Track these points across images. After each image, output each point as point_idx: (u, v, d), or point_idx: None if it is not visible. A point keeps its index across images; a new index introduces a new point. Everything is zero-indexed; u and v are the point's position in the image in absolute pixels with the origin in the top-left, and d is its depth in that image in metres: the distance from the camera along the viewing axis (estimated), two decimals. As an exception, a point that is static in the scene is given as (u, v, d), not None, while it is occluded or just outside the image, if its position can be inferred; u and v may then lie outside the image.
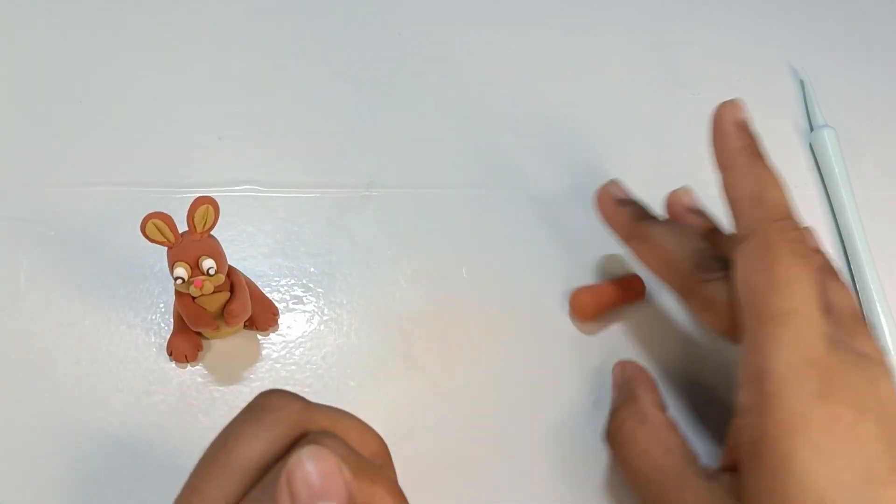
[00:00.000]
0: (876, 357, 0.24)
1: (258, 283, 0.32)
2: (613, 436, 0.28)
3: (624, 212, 0.31)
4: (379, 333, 0.33)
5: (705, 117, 0.41)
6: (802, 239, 0.24)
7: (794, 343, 0.23)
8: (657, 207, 0.37)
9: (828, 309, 0.25)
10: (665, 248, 0.29)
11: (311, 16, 0.42)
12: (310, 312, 0.33)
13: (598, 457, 0.31)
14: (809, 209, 0.39)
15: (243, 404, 0.30)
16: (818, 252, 0.29)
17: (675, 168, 0.39)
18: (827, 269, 0.28)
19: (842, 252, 0.38)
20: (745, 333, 0.24)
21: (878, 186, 0.40)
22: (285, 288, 0.34)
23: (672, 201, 0.34)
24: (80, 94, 0.38)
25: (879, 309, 0.35)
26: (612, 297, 0.33)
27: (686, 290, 0.28)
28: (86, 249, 0.33)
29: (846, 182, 0.38)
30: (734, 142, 0.27)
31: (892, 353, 0.34)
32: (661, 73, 0.42)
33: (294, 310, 0.33)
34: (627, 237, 0.31)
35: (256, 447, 0.21)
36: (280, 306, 0.33)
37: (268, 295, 0.33)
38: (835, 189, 0.39)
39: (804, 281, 0.23)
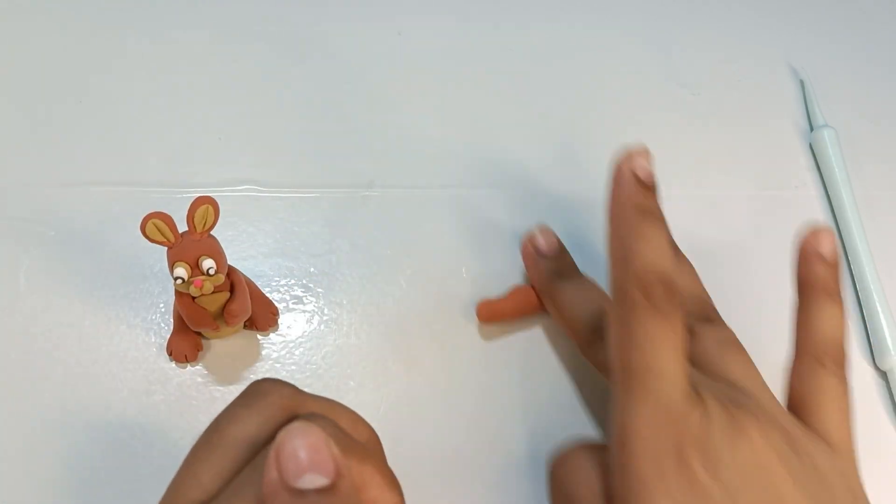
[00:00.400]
0: (748, 411, 0.24)
1: (258, 283, 0.32)
2: (563, 464, 0.26)
3: (542, 267, 0.32)
4: (379, 333, 0.33)
5: (705, 117, 0.41)
6: (668, 297, 0.24)
7: (651, 400, 0.23)
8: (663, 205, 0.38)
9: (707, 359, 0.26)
10: (569, 309, 0.30)
11: (311, 16, 0.42)
12: (310, 312, 0.33)
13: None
14: (809, 209, 0.39)
15: (243, 404, 0.30)
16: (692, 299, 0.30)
17: (675, 168, 0.39)
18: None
19: (842, 252, 0.38)
20: (613, 392, 0.24)
21: (878, 186, 0.40)
22: (285, 288, 0.34)
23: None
24: (80, 94, 0.38)
25: (879, 309, 0.35)
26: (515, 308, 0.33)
27: (584, 350, 0.30)
28: (86, 249, 0.33)
29: (846, 182, 0.38)
30: (619, 194, 0.26)
31: (893, 353, 0.34)
32: (661, 73, 0.42)
33: (294, 310, 0.33)
34: (541, 292, 0.32)
35: (248, 429, 0.21)
36: (280, 306, 0.33)
37: (268, 295, 0.33)
38: (835, 189, 0.39)
39: (663, 338, 0.23)
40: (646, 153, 0.26)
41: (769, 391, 0.27)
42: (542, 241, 0.33)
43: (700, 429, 0.22)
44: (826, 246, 0.28)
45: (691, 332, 0.27)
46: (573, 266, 0.32)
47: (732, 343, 0.28)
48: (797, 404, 0.27)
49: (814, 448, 0.24)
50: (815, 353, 0.27)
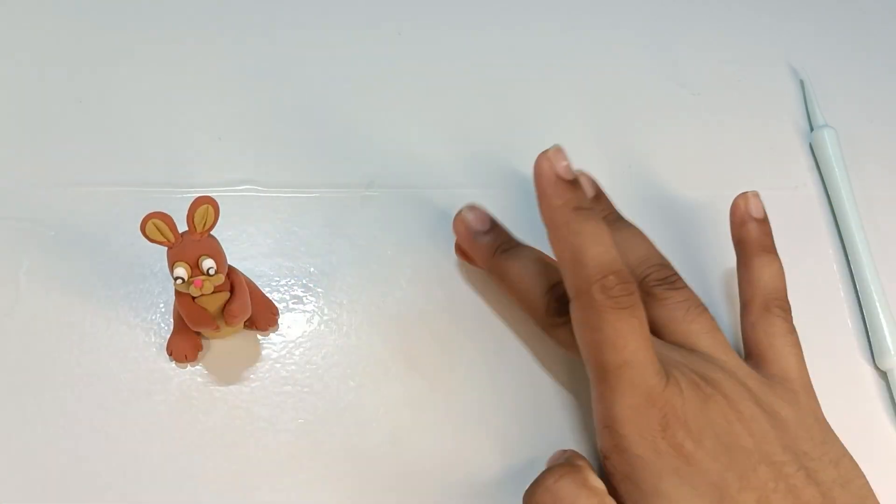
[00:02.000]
0: (713, 379, 0.26)
1: (258, 283, 0.32)
2: (546, 491, 0.25)
3: (482, 245, 0.31)
4: (379, 333, 0.33)
5: (705, 117, 0.41)
6: (625, 290, 0.25)
7: (630, 389, 0.25)
8: (664, 205, 0.38)
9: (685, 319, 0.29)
10: (520, 286, 0.30)
11: (311, 16, 0.42)
12: (310, 312, 0.33)
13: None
14: (809, 209, 0.39)
15: (243, 404, 0.31)
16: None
17: (675, 168, 0.39)
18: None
19: (842, 252, 0.38)
20: (591, 385, 0.26)
21: (878, 186, 0.40)
22: (285, 288, 0.34)
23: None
24: (80, 94, 0.38)
25: (879, 309, 0.35)
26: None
27: (544, 328, 0.30)
28: (86, 249, 0.33)
29: (846, 182, 0.38)
30: (552, 200, 0.26)
31: (893, 353, 0.34)
32: (661, 73, 0.42)
33: (294, 310, 0.33)
34: (488, 270, 0.32)
35: None
36: (280, 306, 0.33)
37: (268, 295, 0.33)
38: (835, 189, 0.39)
39: (631, 332, 0.25)
40: (561, 150, 0.27)
41: (732, 352, 0.29)
42: (472, 218, 0.32)
43: (677, 404, 0.25)
44: (755, 207, 0.32)
45: (657, 298, 0.30)
46: (510, 237, 0.32)
47: (696, 306, 0.30)
48: (753, 353, 0.29)
49: (777, 398, 0.27)
50: (762, 303, 0.30)
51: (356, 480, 0.30)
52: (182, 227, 0.27)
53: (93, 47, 0.39)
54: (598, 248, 0.26)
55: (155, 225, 0.26)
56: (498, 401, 0.32)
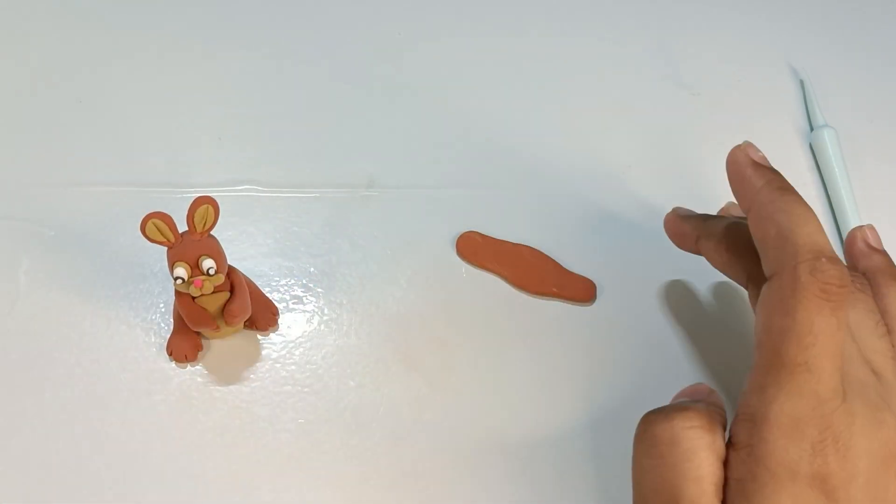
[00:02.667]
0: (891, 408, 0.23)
1: (258, 283, 0.32)
2: (669, 429, 0.23)
3: (689, 221, 0.31)
4: (379, 333, 0.33)
5: (705, 117, 0.41)
6: (837, 278, 0.22)
7: (798, 394, 0.22)
8: (663, 205, 0.38)
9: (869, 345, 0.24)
10: (730, 239, 0.28)
11: (311, 16, 0.42)
12: (310, 312, 0.33)
13: (602, 462, 0.31)
14: (809, 209, 0.39)
15: (243, 404, 0.31)
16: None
17: (675, 168, 0.39)
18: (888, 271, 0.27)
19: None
20: (752, 371, 0.23)
21: (878, 186, 0.40)
22: (285, 288, 0.34)
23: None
24: (80, 94, 0.38)
25: (879, 309, 0.35)
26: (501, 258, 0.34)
27: (754, 281, 0.27)
28: (86, 249, 0.33)
29: (846, 182, 0.38)
30: (753, 182, 0.25)
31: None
32: (661, 73, 0.42)
33: (294, 310, 0.33)
34: (697, 240, 0.31)
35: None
36: (280, 306, 0.33)
37: (268, 295, 0.33)
38: (835, 189, 0.39)
39: (824, 331, 0.22)
40: (753, 144, 0.26)
41: None
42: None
43: (842, 433, 0.21)
44: (873, 238, 0.29)
45: (877, 288, 0.26)
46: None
47: (887, 321, 0.26)
48: None
49: None
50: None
51: (356, 480, 0.30)
52: (182, 227, 0.27)
53: (93, 47, 0.39)
54: (810, 227, 0.23)
55: (155, 225, 0.26)
56: (497, 401, 0.32)
